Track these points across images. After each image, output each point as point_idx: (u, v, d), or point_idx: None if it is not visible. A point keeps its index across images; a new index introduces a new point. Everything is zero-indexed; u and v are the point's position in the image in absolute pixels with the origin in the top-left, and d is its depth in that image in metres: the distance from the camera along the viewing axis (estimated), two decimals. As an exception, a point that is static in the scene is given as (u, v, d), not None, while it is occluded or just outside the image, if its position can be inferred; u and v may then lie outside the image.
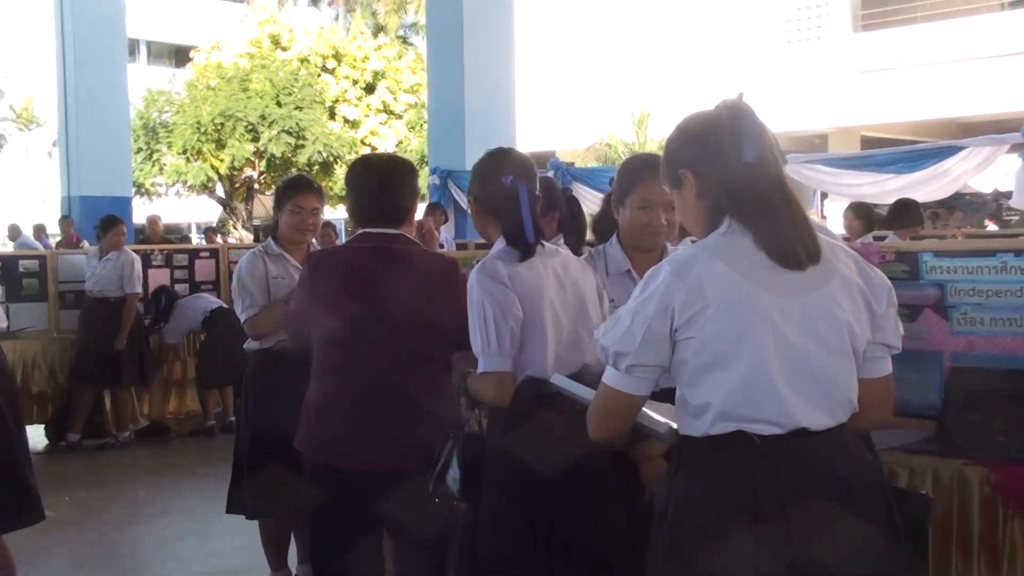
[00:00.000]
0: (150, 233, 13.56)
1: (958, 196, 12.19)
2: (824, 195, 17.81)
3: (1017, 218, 13.90)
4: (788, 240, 1.98)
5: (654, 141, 20.38)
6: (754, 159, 2.01)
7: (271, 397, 4.11)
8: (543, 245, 2.87)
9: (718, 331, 1.95)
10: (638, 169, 3.00)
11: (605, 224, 3.22)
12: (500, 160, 2.93)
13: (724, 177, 2.04)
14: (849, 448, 2.02)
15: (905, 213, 7.64)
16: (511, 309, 2.72)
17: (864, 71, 20.57)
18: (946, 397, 3.55)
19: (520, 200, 2.79)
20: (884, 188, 9.54)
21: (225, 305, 7.94)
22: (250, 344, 4.27)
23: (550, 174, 9.93)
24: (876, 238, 7.45)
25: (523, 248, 2.79)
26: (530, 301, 2.76)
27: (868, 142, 20.88)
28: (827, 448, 1.98)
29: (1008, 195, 11.22)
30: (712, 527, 1.95)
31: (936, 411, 3.56)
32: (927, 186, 9.32)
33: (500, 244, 2.86)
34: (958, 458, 3.17)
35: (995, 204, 15.16)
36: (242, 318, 4.19)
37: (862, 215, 7.92)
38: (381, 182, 3.26)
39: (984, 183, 16.61)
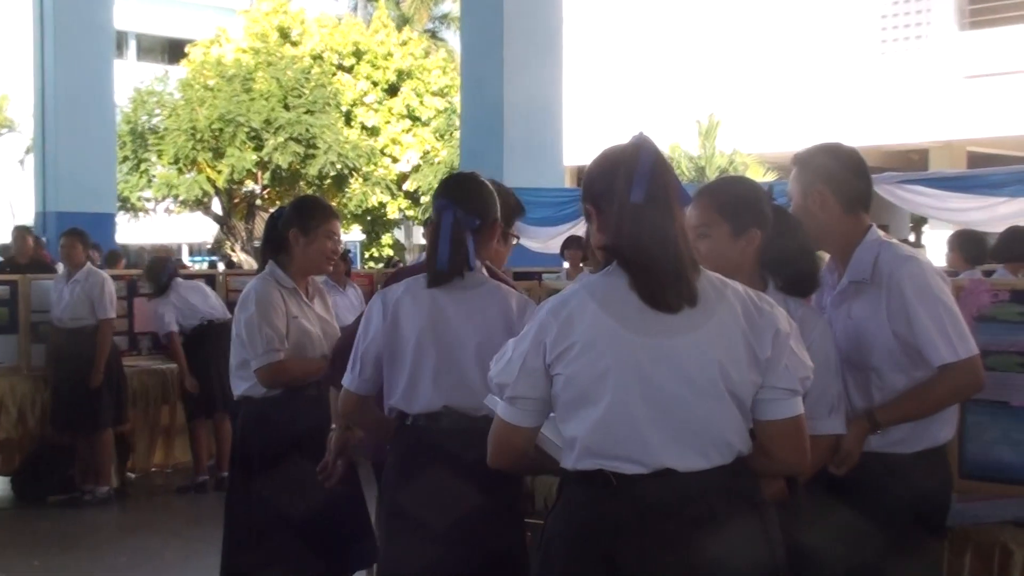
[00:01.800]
0: (15, 252, 11.52)
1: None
2: (923, 220, 17.72)
3: None
4: (660, 285, 2.30)
5: (723, 154, 20.42)
6: (641, 200, 2.31)
7: (282, 448, 4.17)
8: (462, 276, 3.23)
9: (583, 368, 2.29)
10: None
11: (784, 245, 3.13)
12: (443, 184, 3.43)
13: (614, 216, 2.35)
14: (729, 491, 2.29)
15: (1018, 244, 7.59)
16: (372, 332, 3.23)
17: (971, 76, 20.49)
18: (1069, 462, 3.54)
19: (441, 225, 3.21)
20: (994, 214, 9.50)
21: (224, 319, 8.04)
22: (252, 390, 4.28)
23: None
24: (985, 273, 7.40)
25: (431, 274, 3.23)
26: (400, 330, 3.21)
27: (975, 159, 20.79)
28: (697, 489, 2.26)
29: None
30: (566, 564, 2.31)
31: (1057, 478, 3.55)
32: (1045, 212, 9.27)
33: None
34: (1084, 534, 3.16)
35: None
36: (259, 363, 4.18)
37: (965, 246, 7.86)
38: None
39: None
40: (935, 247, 14.09)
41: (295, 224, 4.30)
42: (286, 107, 22.55)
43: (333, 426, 3.81)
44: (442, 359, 3.20)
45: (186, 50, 26.76)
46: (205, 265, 21.09)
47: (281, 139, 22.04)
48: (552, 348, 2.32)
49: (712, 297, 2.33)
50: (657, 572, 2.24)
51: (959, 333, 3.01)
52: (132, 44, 37.22)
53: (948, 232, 9.48)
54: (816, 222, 3.10)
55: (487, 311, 3.23)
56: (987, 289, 3.89)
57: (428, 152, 25.44)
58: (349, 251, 12.01)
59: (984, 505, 3.56)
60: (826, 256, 3.29)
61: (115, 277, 8.55)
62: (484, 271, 3.33)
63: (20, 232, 11.47)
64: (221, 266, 18.92)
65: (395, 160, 25.52)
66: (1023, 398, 3.72)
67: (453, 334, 3.21)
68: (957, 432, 3.80)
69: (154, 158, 23.01)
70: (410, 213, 25.78)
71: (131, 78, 24.23)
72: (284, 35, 25.91)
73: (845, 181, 3.17)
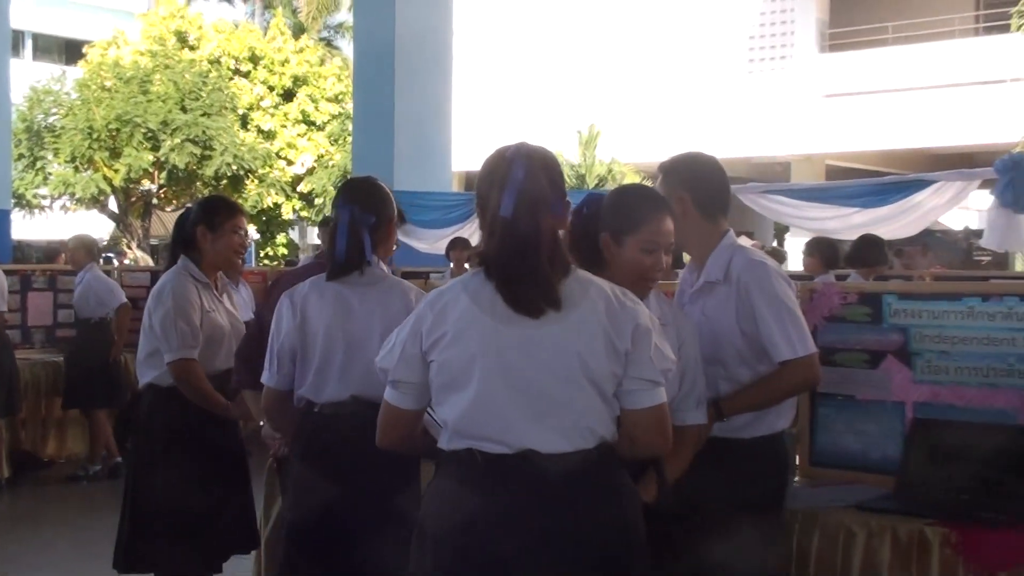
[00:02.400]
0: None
1: (928, 233, 12.52)
2: (785, 228, 18.17)
3: (989, 258, 14.32)
4: (524, 293, 2.36)
5: (602, 163, 20.63)
6: (508, 214, 2.37)
7: (184, 436, 4.16)
8: (361, 272, 3.34)
9: (453, 356, 2.38)
10: (647, 206, 2.97)
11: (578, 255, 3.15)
12: (341, 187, 3.53)
13: (488, 221, 2.42)
14: (589, 472, 2.36)
15: (869, 251, 7.84)
16: (284, 329, 3.31)
17: (830, 95, 21.08)
18: (906, 451, 3.66)
19: (339, 222, 3.34)
20: (848, 223, 9.78)
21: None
22: (159, 379, 4.22)
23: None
24: (838, 277, 7.63)
25: (331, 267, 3.35)
26: (309, 324, 3.30)
27: (833, 172, 21.40)
28: (558, 469, 2.33)
29: (980, 234, 11.55)
30: (437, 529, 2.40)
31: (896, 466, 3.68)
32: (894, 222, 9.58)
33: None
34: (918, 517, 3.27)
35: (966, 243, 15.62)
36: (173, 356, 4.11)
37: (819, 252, 8.09)
38: None
39: (956, 221, 17.14)
40: (795, 253, 14.47)
41: (202, 221, 4.28)
42: (183, 109, 22.10)
43: (261, 423, 3.76)
44: (349, 351, 3.30)
45: (83, 51, 26.06)
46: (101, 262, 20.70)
47: (178, 140, 21.60)
48: (427, 336, 2.41)
49: (576, 294, 2.39)
50: (517, 541, 2.31)
51: (799, 333, 3.12)
52: (28, 44, 36.06)
53: (807, 238, 9.75)
54: (678, 226, 3.12)
55: (390, 305, 3.34)
56: (837, 292, 4.02)
57: (322, 156, 25.20)
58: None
59: (831, 490, 3.67)
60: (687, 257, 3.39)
61: (8, 272, 8.33)
62: (383, 267, 3.43)
63: None
64: (115, 262, 18.44)
65: (290, 163, 25.22)
66: (868, 392, 3.85)
67: (358, 326, 3.30)
68: (808, 423, 3.94)
69: (50, 156, 22.34)
70: (304, 214, 25.51)
71: (27, 77, 23.50)
72: (182, 39, 25.40)
73: (704, 188, 3.25)
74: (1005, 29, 18.44)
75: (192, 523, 4.14)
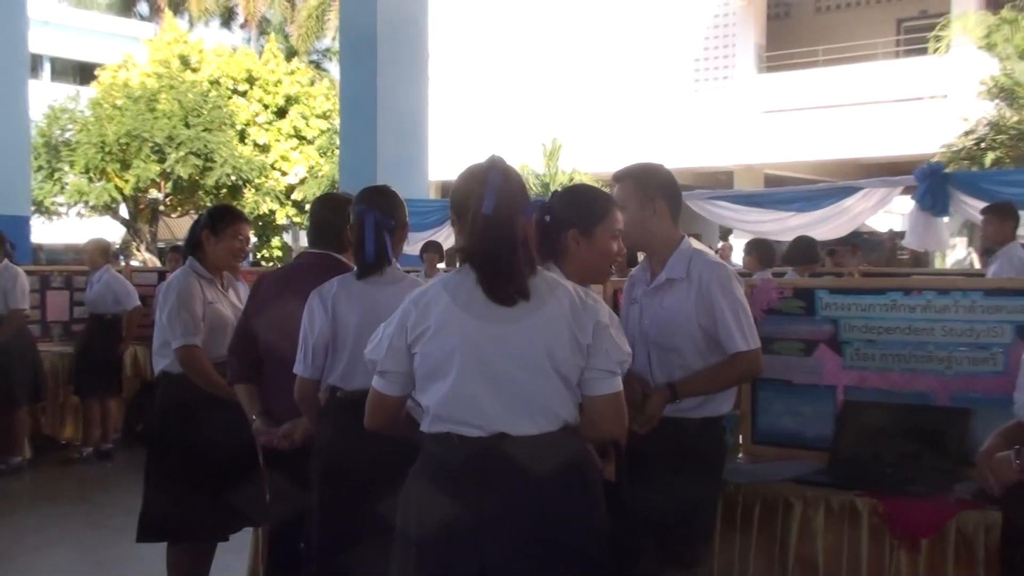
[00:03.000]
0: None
1: (856, 235, 12.61)
2: (729, 230, 18.25)
3: (907, 256, 14.42)
4: (499, 283, 2.40)
5: (564, 173, 20.64)
6: (491, 212, 2.40)
7: (195, 416, 4.17)
8: (382, 272, 3.29)
9: (434, 348, 2.41)
10: (604, 198, 3.02)
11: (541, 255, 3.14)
12: (361, 193, 3.43)
13: (469, 224, 2.44)
14: (554, 451, 2.39)
15: (803, 250, 7.87)
16: (317, 325, 3.25)
17: (768, 111, 21.19)
18: (838, 430, 3.68)
19: (364, 226, 3.27)
20: (785, 225, 9.84)
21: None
22: (171, 367, 4.26)
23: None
24: (776, 274, 7.65)
25: (360, 267, 3.30)
26: (340, 320, 3.24)
27: (771, 180, 21.50)
28: (527, 450, 2.37)
29: (902, 235, 11.65)
30: (419, 503, 2.42)
31: (829, 443, 3.69)
32: (826, 224, 9.65)
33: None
34: (849, 489, 3.28)
35: (890, 243, 15.71)
36: (177, 343, 4.17)
37: (757, 251, 8.11)
38: None
39: (881, 223, 17.25)
40: (737, 252, 14.53)
41: (207, 226, 4.36)
42: (187, 125, 21.92)
43: (254, 417, 3.65)
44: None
45: (96, 73, 25.77)
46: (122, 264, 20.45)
47: (182, 153, 21.42)
48: (412, 330, 2.44)
49: (544, 293, 2.43)
50: (490, 511, 2.35)
51: (750, 328, 3.17)
52: (47, 66, 35.63)
53: (747, 239, 9.78)
54: (647, 227, 3.18)
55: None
56: (775, 287, 4.03)
57: (313, 167, 25.04)
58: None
59: (771, 466, 3.68)
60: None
61: (30, 272, 8.26)
62: (399, 267, 3.40)
63: None
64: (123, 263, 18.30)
65: (284, 173, 25.04)
66: (803, 377, 3.86)
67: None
68: (750, 404, 3.95)
69: (67, 168, 22.09)
70: (296, 220, 25.35)
71: (45, 97, 23.23)
72: (184, 62, 25.16)
73: (674, 195, 3.27)
74: (923, 52, 18.61)
75: (202, 495, 4.15)
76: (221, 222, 4.35)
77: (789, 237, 8.88)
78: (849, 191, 9.37)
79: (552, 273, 2.97)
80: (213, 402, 4.11)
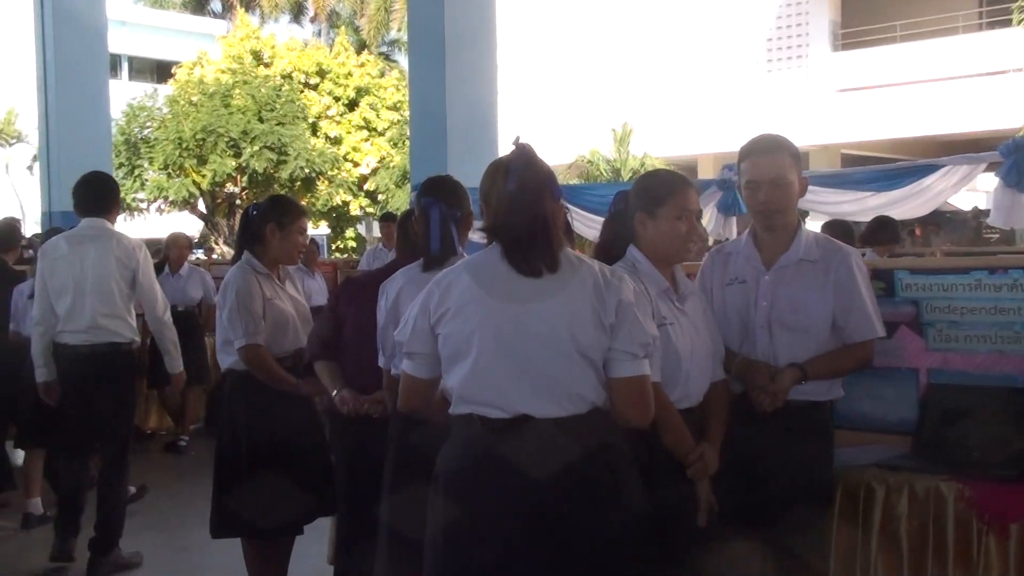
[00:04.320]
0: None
1: (939, 214, 12.28)
2: (805, 212, 17.92)
3: (997, 236, 14.01)
4: (526, 253, 2.40)
5: (635, 157, 20.49)
6: (513, 188, 2.42)
7: (262, 413, 4.17)
8: (447, 264, 3.14)
9: (455, 329, 2.41)
10: (672, 181, 3.02)
11: (616, 244, 3.11)
12: (425, 184, 3.44)
13: (495, 203, 2.47)
14: (580, 434, 2.35)
15: (883, 230, 7.71)
16: (382, 320, 3.28)
17: (843, 89, 20.77)
18: (922, 414, 3.59)
19: (430, 218, 3.29)
20: (864, 206, 9.60)
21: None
22: (235, 364, 4.24)
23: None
24: (855, 255, 7.49)
25: (426, 259, 3.31)
26: (401, 314, 3.21)
27: (848, 160, 21.09)
28: (549, 432, 2.34)
29: (987, 213, 11.31)
30: (445, 484, 2.43)
31: (912, 427, 3.60)
32: (906, 204, 9.39)
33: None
34: (934, 474, 3.21)
35: (975, 222, 15.28)
36: (240, 343, 4.13)
37: (835, 233, 7.96)
38: None
39: (964, 201, 16.80)
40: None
41: (273, 219, 4.28)
42: (260, 120, 22.27)
43: (334, 392, 3.65)
44: None
45: (172, 71, 26.34)
46: (195, 257, 20.84)
47: (256, 147, 21.78)
48: (434, 311, 2.45)
49: (567, 270, 2.42)
50: (513, 493, 2.33)
51: (879, 316, 3.17)
52: (125, 66, 36.51)
53: (823, 221, 9.60)
54: (792, 203, 3.17)
55: None
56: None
57: (384, 158, 25.28)
58: (316, 241, 11.96)
59: (852, 451, 3.60)
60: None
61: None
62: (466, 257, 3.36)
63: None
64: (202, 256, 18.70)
65: (356, 165, 25.34)
66: (884, 360, 3.75)
67: None
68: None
69: (146, 164, 22.61)
70: (369, 210, 25.63)
71: (124, 95, 23.78)
72: (257, 57, 25.58)
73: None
74: (1007, 24, 18.04)
75: (273, 491, 4.15)
76: (287, 216, 4.29)
77: (867, 217, 8.68)
78: (930, 169, 9.08)
79: (638, 256, 2.98)
80: (279, 398, 4.13)
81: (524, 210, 2.42)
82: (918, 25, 20.64)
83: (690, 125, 21.01)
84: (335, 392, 3.63)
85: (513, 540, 2.33)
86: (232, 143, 21.88)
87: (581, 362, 2.37)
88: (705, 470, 2.88)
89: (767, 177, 3.11)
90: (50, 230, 7.06)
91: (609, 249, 3.06)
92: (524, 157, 2.47)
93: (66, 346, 5.13)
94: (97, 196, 5.31)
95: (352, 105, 26.05)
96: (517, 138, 2.52)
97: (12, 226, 7.23)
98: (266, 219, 4.28)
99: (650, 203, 2.95)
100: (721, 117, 20.73)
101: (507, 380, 2.37)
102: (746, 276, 3.23)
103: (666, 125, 21.39)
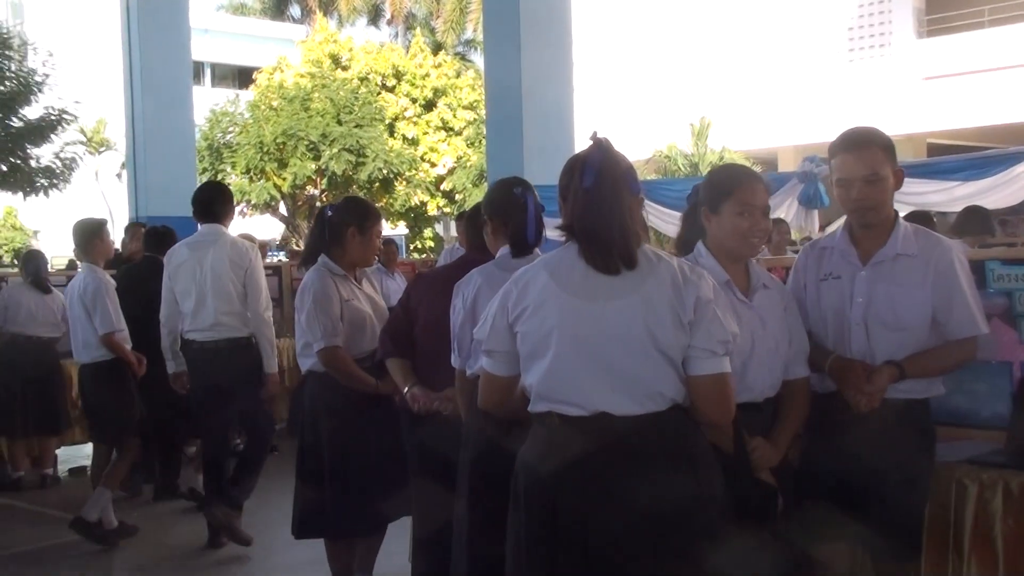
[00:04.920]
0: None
1: (1028, 203, 11.90)
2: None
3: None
4: (604, 250, 2.39)
5: (714, 151, 20.27)
6: (591, 185, 2.41)
7: (342, 415, 4.23)
8: (531, 254, 3.29)
9: (534, 327, 2.41)
10: (735, 175, 3.02)
11: (691, 238, 3.15)
12: (506, 182, 3.48)
13: (571, 201, 2.45)
14: (660, 431, 2.34)
15: (973, 221, 7.49)
16: (458, 319, 3.27)
17: (928, 77, 20.27)
18: (1016, 408, 3.48)
19: (528, 207, 3.32)
20: (951, 195, 9.38)
21: None
22: (315, 366, 4.30)
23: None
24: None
25: (520, 246, 3.31)
26: (479, 312, 3.17)
27: (934, 149, 20.57)
28: (630, 430, 2.33)
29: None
30: (526, 483, 2.43)
31: (1006, 422, 3.49)
32: (996, 193, 9.14)
33: (502, 252, 3.36)
34: (1030, 471, 3.11)
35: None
36: (319, 346, 4.20)
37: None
38: None
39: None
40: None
41: (354, 223, 4.34)
42: (339, 122, 22.60)
43: (405, 389, 3.68)
44: None
45: (253, 76, 26.85)
46: (276, 259, 21.26)
47: (335, 150, 22.12)
48: (512, 309, 2.45)
49: (645, 268, 2.40)
50: (594, 494, 2.32)
51: (982, 311, 3.06)
52: (208, 72, 37.35)
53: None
54: (886, 198, 3.09)
55: None
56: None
57: (461, 157, 25.43)
58: (395, 242, 12.07)
59: (943, 447, 3.50)
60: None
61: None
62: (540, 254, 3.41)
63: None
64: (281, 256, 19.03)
65: (433, 165, 25.54)
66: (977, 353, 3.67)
67: None
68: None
69: (229, 169, 23.12)
70: (447, 210, 25.81)
71: (208, 101, 24.33)
72: (335, 61, 25.94)
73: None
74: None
75: (354, 492, 4.22)
76: (368, 220, 4.36)
77: (955, 208, 8.47)
78: (1020, 157, 8.84)
79: (701, 250, 2.97)
80: (360, 399, 4.18)
81: (601, 206, 2.40)
82: (1006, 9, 20.02)
83: (770, 117, 20.71)
84: (406, 389, 3.65)
85: (596, 537, 2.31)
86: (311, 146, 22.25)
87: (659, 359, 2.35)
88: (758, 462, 2.87)
89: (859, 174, 3.03)
90: (150, 230, 7.25)
91: (688, 243, 3.04)
92: (602, 152, 2.45)
93: (194, 342, 5.54)
94: (212, 203, 5.66)
95: (429, 106, 26.27)
96: (595, 133, 2.50)
97: (167, 229, 7.58)
98: (347, 222, 4.33)
99: (714, 198, 2.96)
100: (802, 108, 20.40)
101: (586, 377, 2.36)
102: (841, 272, 3.16)
103: (745, 118, 21.12)
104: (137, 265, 6.48)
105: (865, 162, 3.03)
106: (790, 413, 3.00)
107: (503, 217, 3.38)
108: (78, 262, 6.58)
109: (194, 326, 5.51)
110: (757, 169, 19.93)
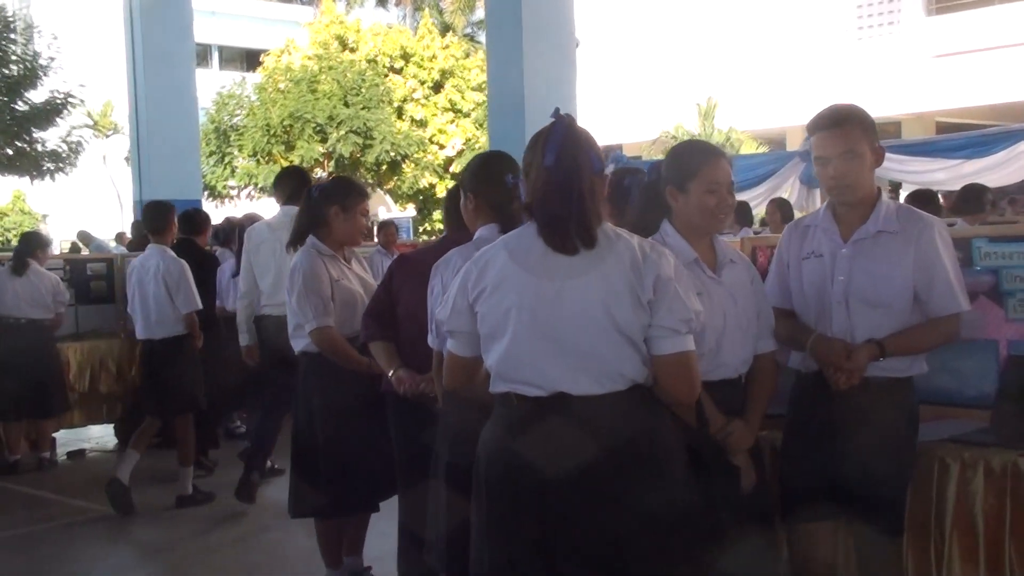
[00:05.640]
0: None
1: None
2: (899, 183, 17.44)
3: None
4: (562, 229, 2.36)
5: (721, 132, 20.17)
6: (551, 163, 2.38)
7: (336, 394, 4.23)
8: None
9: (492, 307, 2.39)
10: (700, 152, 3.00)
11: (650, 217, 3.11)
12: (494, 162, 3.35)
13: (532, 178, 2.44)
14: (620, 411, 2.32)
15: (971, 200, 7.45)
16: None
17: (938, 55, 20.10)
18: (1001, 386, 3.44)
19: (520, 196, 3.12)
20: (957, 173, 9.34)
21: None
22: (308, 347, 4.30)
23: (610, 168, 9.89)
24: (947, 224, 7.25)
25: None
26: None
27: (943, 127, 20.41)
28: (589, 410, 2.31)
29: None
30: (487, 461, 2.42)
31: (991, 401, 3.46)
32: (1001, 170, 9.10)
33: (482, 232, 3.23)
34: (1013, 449, 3.07)
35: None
36: (311, 326, 4.19)
37: (920, 202, 7.77)
38: None
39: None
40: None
41: (337, 202, 4.31)
42: (346, 104, 22.58)
43: (391, 372, 3.64)
44: None
45: (260, 59, 26.83)
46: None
47: (343, 132, 22.12)
48: (472, 289, 2.43)
49: (604, 247, 2.37)
50: (552, 472, 2.30)
51: (964, 288, 3.03)
52: (215, 55, 37.35)
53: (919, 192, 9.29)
54: (866, 174, 3.07)
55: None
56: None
57: (470, 139, 25.37)
58: (394, 223, 12.07)
59: (928, 426, 3.47)
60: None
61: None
62: None
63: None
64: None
65: (441, 147, 25.46)
66: (963, 331, 3.62)
67: None
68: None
69: (236, 152, 23.15)
70: (456, 192, 25.77)
71: (215, 84, 24.34)
72: (342, 43, 25.87)
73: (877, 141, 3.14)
74: (1110, -19, 17.21)
75: (347, 471, 4.22)
76: (350, 198, 4.32)
77: (960, 185, 8.41)
78: (1022, 135, 8.78)
79: (667, 229, 2.94)
80: (352, 379, 4.16)
81: (561, 185, 2.37)
82: (1017, -15, 19.82)
83: (778, 97, 20.57)
84: (391, 372, 3.63)
85: (555, 518, 2.30)
86: (319, 128, 22.25)
87: (619, 339, 2.33)
88: (735, 444, 2.87)
89: (836, 151, 3.02)
90: (183, 214, 7.36)
91: (642, 222, 3.02)
92: (564, 129, 2.41)
93: (269, 317, 5.86)
94: (290, 187, 5.92)
95: (437, 87, 26.18)
96: (557, 110, 2.47)
97: (199, 211, 7.65)
98: (330, 201, 4.31)
99: (680, 177, 2.94)
100: (810, 87, 20.24)
101: (544, 358, 2.33)
102: (823, 250, 3.14)
103: (753, 98, 20.99)
104: (174, 247, 6.53)
105: (842, 139, 3.02)
106: (759, 390, 3.00)
107: (489, 198, 3.30)
108: (143, 243, 7.00)
109: (270, 301, 5.83)
110: (764, 149, 19.81)
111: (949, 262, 3.01)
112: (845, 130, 3.02)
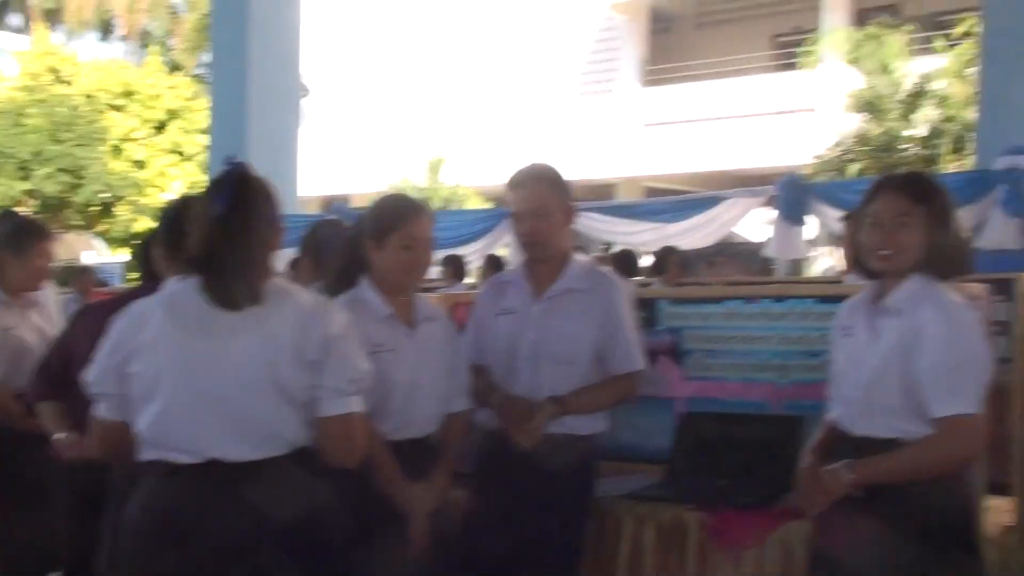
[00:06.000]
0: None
1: (730, 245, 12.78)
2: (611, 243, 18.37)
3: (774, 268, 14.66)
4: (228, 285, 2.23)
5: (446, 187, 20.54)
6: (220, 213, 2.26)
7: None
8: None
9: (145, 368, 2.23)
10: (401, 208, 2.96)
11: (351, 269, 3.07)
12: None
13: (197, 229, 2.31)
14: (276, 478, 2.21)
15: (662, 261, 7.96)
16: None
17: (648, 124, 21.47)
18: (676, 443, 3.62)
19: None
20: (662, 234, 9.91)
21: None
22: None
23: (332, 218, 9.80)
24: (642, 285, 7.67)
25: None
26: None
27: (651, 192, 21.73)
28: (240, 477, 2.18)
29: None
30: (133, 534, 2.25)
31: (667, 457, 3.62)
32: (696, 233, 9.75)
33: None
34: (682, 503, 3.22)
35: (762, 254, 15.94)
36: None
37: (620, 263, 8.34)
38: None
39: (758, 234, 17.59)
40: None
41: (7, 247, 3.98)
42: (57, 141, 21.18)
43: (57, 435, 3.38)
44: None
45: (-40, 87, 24.73)
46: None
47: (50, 169, 20.71)
48: (124, 349, 2.28)
49: (271, 304, 2.27)
50: (196, 548, 2.17)
51: (641, 349, 3.25)
52: (-92, 80, 34.08)
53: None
54: (557, 232, 3.13)
55: None
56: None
57: (194, 183, 24.42)
58: (91, 268, 11.46)
59: (608, 481, 3.58)
60: None
61: None
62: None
63: None
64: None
65: (162, 190, 24.34)
66: (643, 390, 3.77)
67: None
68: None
69: (-73, 187, 21.12)
70: (177, 237, 24.72)
71: (-96, 112, 22.17)
72: (56, 75, 24.27)
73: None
74: (794, 67, 19.08)
75: (18, 536, 3.81)
76: (26, 241, 4.02)
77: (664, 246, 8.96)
78: (715, 201, 9.51)
79: (364, 285, 2.90)
80: (24, 438, 3.76)
81: (229, 238, 2.25)
82: (718, 65, 21.56)
83: (502, 154, 21.20)
84: (54, 436, 3.36)
85: None
86: (23, 165, 20.69)
87: (279, 400, 2.23)
88: (414, 508, 2.82)
89: (527, 208, 3.10)
90: None
91: (344, 273, 2.97)
92: (236, 178, 2.31)
93: None
94: None
95: (161, 127, 25.07)
96: (230, 157, 2.37)
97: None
98: (2, 247, 3.99)
99: (379, 230, 2.90)
100: (534, 147, 21.03)
101: (197, 422, 2.20)
102: (516, 307, 3.19)
103: (479, 154, 21.56)
104: None
105: (532, 197, 3.10)
106: (448, 449, 2.98)
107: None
108: None
109: None
110: (490, 205, 20.34)
111: (629, 323, 3.14)
112: (535, 189, 3.12)
